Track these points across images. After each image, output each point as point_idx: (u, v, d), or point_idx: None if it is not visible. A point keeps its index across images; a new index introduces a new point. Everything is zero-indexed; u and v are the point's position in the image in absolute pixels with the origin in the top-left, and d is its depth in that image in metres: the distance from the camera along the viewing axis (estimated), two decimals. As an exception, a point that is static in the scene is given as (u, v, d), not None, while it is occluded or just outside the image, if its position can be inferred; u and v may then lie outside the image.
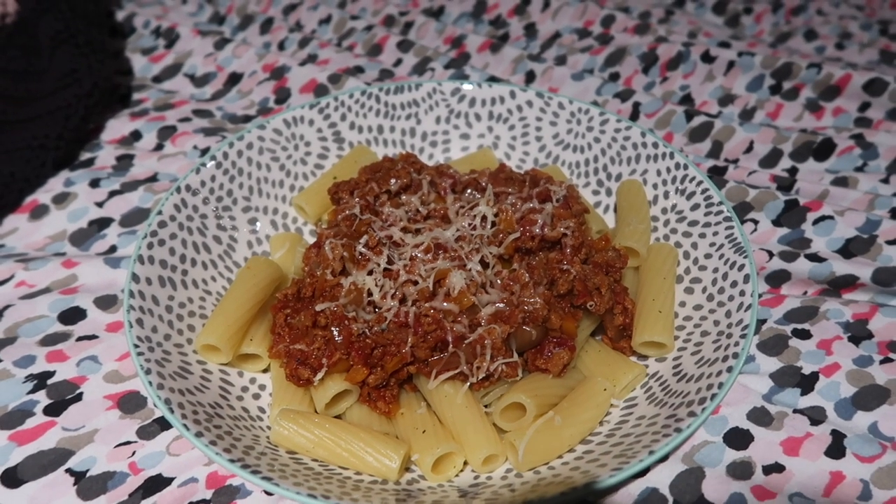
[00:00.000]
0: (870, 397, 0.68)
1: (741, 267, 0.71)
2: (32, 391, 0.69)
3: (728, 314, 0.68)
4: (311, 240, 0.88)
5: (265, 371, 0.73)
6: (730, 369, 0.61)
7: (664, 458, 0.63)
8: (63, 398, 0.69)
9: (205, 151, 0.98)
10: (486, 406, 0.68)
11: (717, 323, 0.69)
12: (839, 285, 0.79)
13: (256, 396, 0.70)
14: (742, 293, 0.68)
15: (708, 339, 0.68)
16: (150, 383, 0.60)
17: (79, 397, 0.69)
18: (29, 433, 0.66)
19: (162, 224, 0.76)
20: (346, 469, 0.62)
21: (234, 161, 0.85)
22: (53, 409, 0.68)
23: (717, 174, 0.95)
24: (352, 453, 0.61)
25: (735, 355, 0.63)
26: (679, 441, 0.57)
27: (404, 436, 0.65)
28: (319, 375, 0.65)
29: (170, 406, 0.59)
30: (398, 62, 1.17)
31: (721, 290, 0.71)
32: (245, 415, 0.66)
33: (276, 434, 0.62)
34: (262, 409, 0.69)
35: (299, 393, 0.67)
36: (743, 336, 0.64)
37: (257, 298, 0.73)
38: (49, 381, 0.70)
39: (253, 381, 0.72)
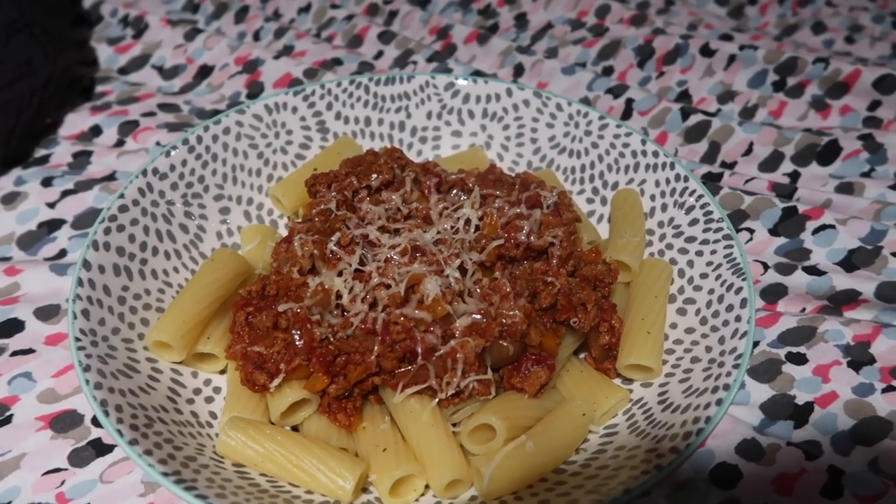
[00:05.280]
0: (870, 430, 0.63)
1: (738, 290, 0.65)
2: None
3: (721, 340, 0.63)
4: (286, 233, 0.83)
5: (222, 372, 0.68)
6: (719, 402, 0.56)
7: (645, 493, 0.59)
8: None
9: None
10: (454, 425, 0.63)
11: (708, 349, 0.64)
12: (840, 301, 0.74)
13: (209, 400, 0.65)
14: (738, 318, 0.63)
15: (698, 366, 0.63)
16: (88, 381, 0.55)
17: (8, 420, 0.64)
18: (-49, 462, 0.61)
19: (123, 208, 0.71)
20: (296, 487, 0.57)
21: (208, 146, 0.80)
22: None
23: (711, 180, 0.89)
24: (303, 470, 0.57)
25: (726, 387, 0.57)
26: (658, 479, 0.52)
27: (364, 453, 0.60)
28: (276, 382, 0.60)
29: (105, 408, 0.54)
30: (379, 54, 1.12)
31: (716, 314, 0.66)
32: (193, 420, 0.61)
33: (222, 444, 0.58)
34: (213, 415, 0.64)
35: (254, 399, 0.62)
36: (736, 366, 0.59)
37: (219, 294, 0.68)
38: None
39: (208, 382, 0.67)
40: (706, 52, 1.07)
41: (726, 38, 1.12)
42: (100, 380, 0.56)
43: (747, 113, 1.01)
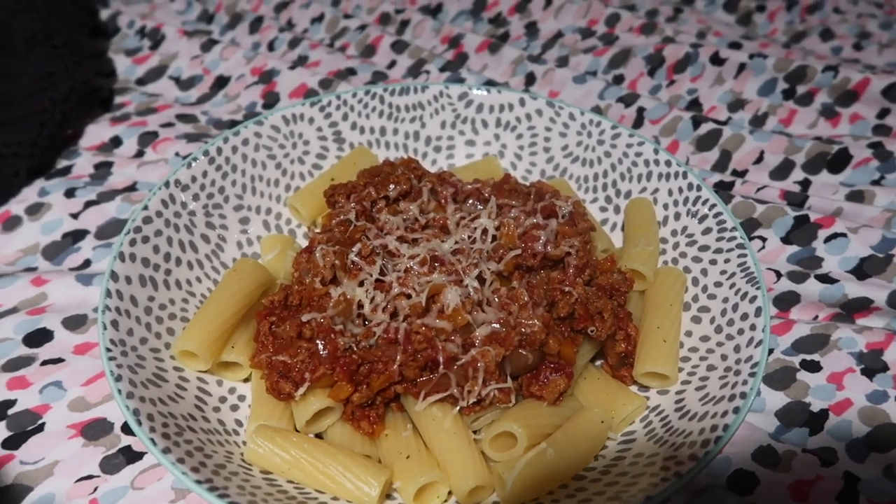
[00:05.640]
0: (885, 437, 0.64)
1: (753, 298, 0.67)
2: None
3: (737, 349, 0.64)
4: (304, 243, 0.84)
5: (246, 380, 0.70)
6: (736, 410, 0.57)
7: (664, 501, 0.60)
8: (24, 429, 0.66)
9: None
10: (475, 432, 0.64)
11: (724, 357, 0.65)
12: (852, 309, 0.75)
13: (234, 408, 0.67)
14: (753, 327, 0.64)
15: (714, 374, 0.64)
16: (120, 391, 0.57)
17: (40, 428, 0.66)
18: (-15, 469, 0.63)
19: (147, 220, 0.72)
20: (322, 493, 0.59)
21: (227, 157, 0.81)
22: (12, 442, 0.65)
23: (723, 189, 0.91)
24: (329, 477, 0.58)
25: (743, 395, 0.59)
26: (678, 486, 0.53)
27: (387, 460, 0.62)
28: (301, 390, 0.62)
29: (138, 417, 0.55)
30: (392, 64, 1.13)
31: (730, 322, 0.67)
32: (220, 428, 0.63)
33: (250, 452, 0.59)
34: (239, 423, 0.65)
35: (279, 407, 0.64)
36: (752, 374, 0.60)
37: (242, 303, 0.69)
38: (9, 412, 0.67)
39: (232, 390, 0.68)
40: (716, 60, 1.08)
41: (735, 46, 1.13)
42: (131, 389, 0.58)
43: (758, 121, 1.02)
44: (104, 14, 1.18)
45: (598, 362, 0.72)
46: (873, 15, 1.23)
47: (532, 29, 1.21)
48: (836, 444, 0.64)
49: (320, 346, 0.62)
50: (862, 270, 0.79)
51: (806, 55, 1.12)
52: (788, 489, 0.60)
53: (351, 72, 1.09)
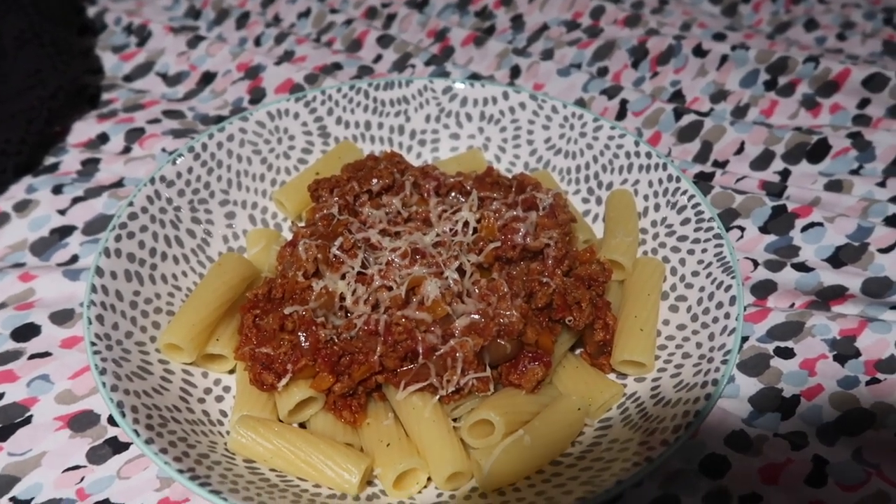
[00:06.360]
0: (854, 421, 0.66)
1: (728, 288, 0.68)
2: None
3: (711, 337, 0.66)
4: (290, 236, 0.85)
5: (231, 372, 0.71)
6: (708, 397, 0.59)
7: (638, 484, 0.61)
8: (11, 422, 0.67)
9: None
10: (455, 420, 0.65)
11: (699, 345, 0.66)
12: (827, 296, 0.77)
13: (219, 399, 0.68)
14: (727, 315, 0.66)
15: (689, 361, 0.65)
16: (104, 384, 0.58)
17: (28, 420, 0.67)
18: (-27, 461, 0.64)
19: (132, 216, 0.73)
20: (304, 481, 0.60)
21: (213, 153, 0.82)
22: (0, 434, 0.66)
23: (703, 180, 0.92)
24: (311, 465, 0.59)
25: (714, 382, 0.60)
26: (648, 471, 0.54)
27: (368, 447, 0.63)
28: (284, 381, 0.63)
29: (122, 409, 0.56)
30: (378, 58, 1.14)
31: (706, 311, 0.69)
32: (205, 419, 0.64)
33: (233, 442, 0.60)
34: (223, 413, 0.67)
35: (263, 398, 0.65)
36: (724, 362, 0.61)
37: (227, 297, 0.71)
38: None
39: (217, 382, 0.70)
40: (699, 52, 1.08)
41: (719, 37, 1.14)
42: (115, 382, 0.59)
43: (739, 112, 1.03)
44: (91, 11, 1.18)
45: (578, 351, 0.73)
46: (857, 5, 1.23)
47: (518, 22, 1.22)
48: (806, 429, 0.65)
49: (302, 339, 0.64)
50: (837, 259, 0.80)
51: (789, 46, 1.13)
52: (759, 472, 0.62)
53: (337, 66, 1.10)
